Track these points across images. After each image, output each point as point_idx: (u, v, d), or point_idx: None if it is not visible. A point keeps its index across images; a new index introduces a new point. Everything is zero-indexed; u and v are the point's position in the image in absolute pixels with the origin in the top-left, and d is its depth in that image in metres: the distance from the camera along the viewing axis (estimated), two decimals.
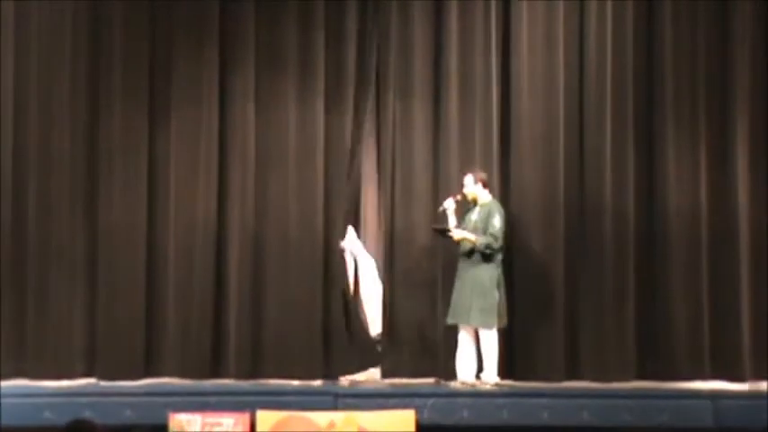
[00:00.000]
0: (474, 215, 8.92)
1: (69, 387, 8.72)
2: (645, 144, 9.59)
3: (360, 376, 9.17)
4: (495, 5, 9.58)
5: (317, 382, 8.91)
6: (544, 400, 8.24)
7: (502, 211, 8.91)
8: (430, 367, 9.20)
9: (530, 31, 9.55)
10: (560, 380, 9.24)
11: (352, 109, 9.43)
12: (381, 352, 9.31)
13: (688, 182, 9.54)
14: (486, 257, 8.76)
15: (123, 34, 9.28)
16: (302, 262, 9.26)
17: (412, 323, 9.36)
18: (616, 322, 9.38)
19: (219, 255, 9.27)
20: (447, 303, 9.03)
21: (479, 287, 8.70)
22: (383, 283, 9.40)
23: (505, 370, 8.96)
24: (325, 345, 9.20)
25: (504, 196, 9.38)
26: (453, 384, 8.75)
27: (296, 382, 8.88)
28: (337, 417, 7.83)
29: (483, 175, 9.01)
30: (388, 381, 9.17)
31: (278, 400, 8.00)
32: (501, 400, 8.18)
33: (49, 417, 7.81)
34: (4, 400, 7.85)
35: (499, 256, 8.82)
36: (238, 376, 9.08)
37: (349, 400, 8.09)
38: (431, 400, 8.05)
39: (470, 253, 8.79)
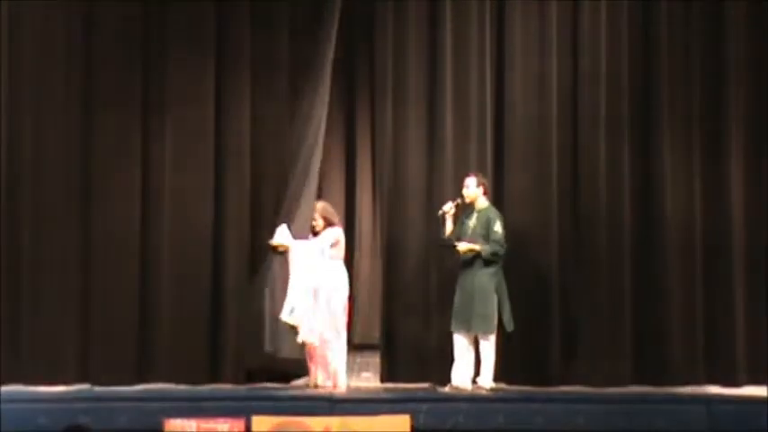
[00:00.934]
0: (472, 220, 8.90)
1: (64, 392, 8.69)
2: (639, 150, 9.63)
3: (357, 382, 9.15)
4: (490, 11, 9.60)
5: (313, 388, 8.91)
6: (539, 406, 8.22)
7: (501, 216, 8.91)
8: (426, 373, 9.20)
9: (523, 37, 9.59)
10: (556, 385, 9.26)
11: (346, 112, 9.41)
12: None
13: (683, 187, 9.59)
14: (488, 264, 8.76)
15: (117, 37, 9.25)
16: None
17: (408, 329, 9.35)
18: (611, 327, 9.41)
19: (214, 259, 9.25)
20: (442, 310, 9.04)
21: (481, 294, 8.72)
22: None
23: (501, 375, 8.98)
24: None
25: (498, 202, 9.39)
26: (448, 389, 8.75)
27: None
28: (333, 421, 7.80)
29: (484, 180, 9.01)
30: (381, 385, 9.17)
31: (273, 405, 7.96)
32: (496, 405, 8.16)
33: (43, 422, 7.74)
34: None
35: (500, 262, 8.83)
36: (233, 381, 9.06)
37: (344, 405, 8.07)
38: (426, 405, 8.03)
39: (471, 260, 8.78)
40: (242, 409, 7.83)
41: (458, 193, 9.05)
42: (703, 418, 8.19)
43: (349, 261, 9.38)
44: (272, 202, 9.29)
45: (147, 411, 7.85)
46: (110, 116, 9.22)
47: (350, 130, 10.80)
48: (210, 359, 9.17)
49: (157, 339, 9.17)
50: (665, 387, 9.29)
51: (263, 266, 9.00)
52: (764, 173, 9.65)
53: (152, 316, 9.19)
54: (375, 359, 9.59)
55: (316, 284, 8.74)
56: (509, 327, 8.78)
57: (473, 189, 8.91)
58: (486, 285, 8.74)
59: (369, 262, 10.45)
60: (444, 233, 8.93)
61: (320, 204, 9.04)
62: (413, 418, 7.79)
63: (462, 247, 8.76)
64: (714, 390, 9.28)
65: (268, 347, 8.82)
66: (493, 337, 8.75)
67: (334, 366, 8.73)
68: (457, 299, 8.84)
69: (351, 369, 9.47)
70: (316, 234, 8.89)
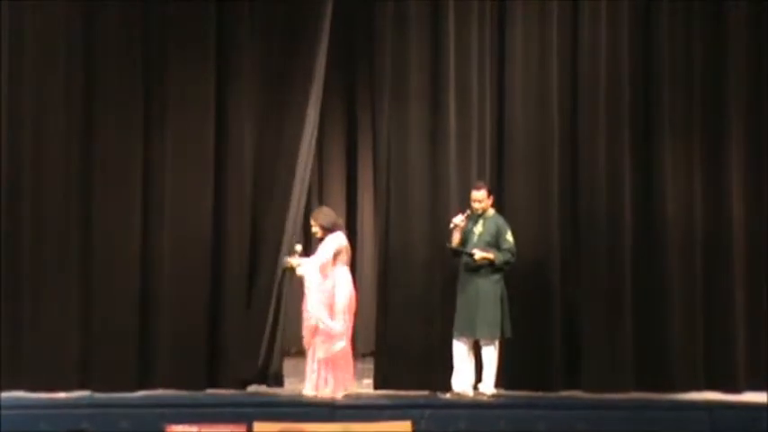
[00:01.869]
0: (478, 228, 8.88)
1: (65, 399, 8.68)
2: (639, 155, 9.63)
3: (359, 389, 9.14)
4: (490, 14, 9.59)
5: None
6: (541, 412, 8.24)
7: (508, 223, 8.91)
8: (426, 379, 9.16)
9: (524, 44, 9.58)
10: (557, 391, 9.26)
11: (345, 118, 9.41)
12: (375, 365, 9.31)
13: (683, 192, 9.60)
14: (493, 271, 8.76)
15: (118, 39, 9.22)
16: None
17: (408, 335, 9.32)
18: (612, 333, 9.41)
19: (215, 265, 9.23)
20: (443, 315, 9.03)
21: (486, 300, 8.71)
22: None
23: (503, 381, 8.97)
24: None
25: (499, 206, 9.40)
26: (450, 396, 8.73)
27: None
28: (334, 427, 7.79)
29: (490, 188, 9.00)
30: (382, 392, 9.15)
31: (274, 411, 7.96)
32: (498, 411, 8.18)
33: (44, 429, 7.76)
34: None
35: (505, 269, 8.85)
36: (233, 386, 9.05)
37: (346, 411, 8.07)
38: (428, 411, 8.03)
39: (477, 267, 8.77)
40: (243, 414, 7.83)
41: (459, 196, 9.06)
42: (705, 424, 8.19)
43: (352, 266, 9.34)
44: (273, 208, 9.22)
45: (148, 417, 7.86)
46: (110, 119, 9.20)
47: (350, 134, 10.85)
48: (210, 365, 9.14)
49: (158, 346, 9.14)
50: (666, 393, 9.28)
51: (271, 282, 9.00)
52: (765, 176, 9.65)
53: (152, 322, 9.17)
54: None
55: (325, 292, 8.71)
56: (508, 333, 8.78)
57: (486, 201, 8.88)
58: (491, 291, 8.74)
59: (371, 267, 10.38)
60: (452, 242, 8.87)
61: (315, 212, 8.99)
62: (414, 425, 7.78)
63: (479, 255, 8.74)
64: (715, 396, 9.26)
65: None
66: (496, 343, 8.74)
67: (338, 372, 8.71)
68: (460, 304, 8.81)
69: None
70: (321, 239, 8.86)
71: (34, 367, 8.97)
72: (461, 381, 8.79)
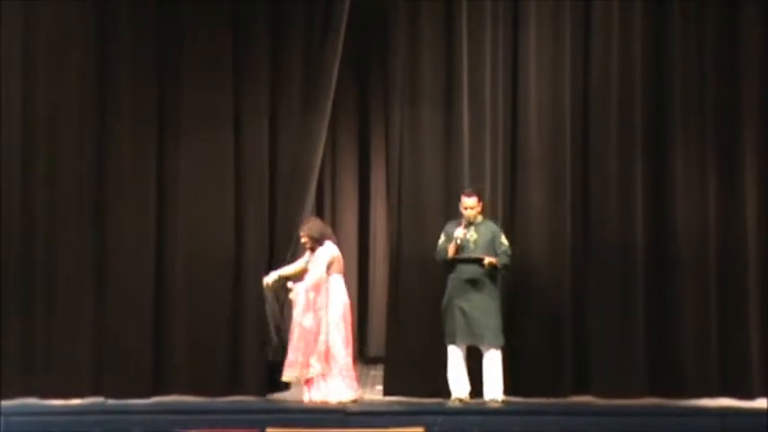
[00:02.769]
0: (472, 234, 8.80)
1: (77, 405, 8.71)
2: (652, 162, 9.60)
3: (371, 395, 9.15)
4: (503, 14, 9.59)
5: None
6: (554, 418, 8.21)
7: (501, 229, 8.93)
8: (436, 386, 9.11)
9: (538, 44, 9.58)
10: (567, 396, 9.24)
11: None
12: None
13: (696, 199, 9.56)
14: (493, 277, 8.75)
15: (132, 51, 9.27)
16: None
17: (419, 341, 9.31)
18: (624, 339, 9.38)
19: (230, 271, 9.26)
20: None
21: (490, 306, 8.69)
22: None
23: (515, 387, 8.96)
24: None
25: (512, 213, 9.40)
26: (459, 402, 8.70)
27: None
28: None
29: (480, 193, 8.96)
30: (394, 398, 9.14)
31: (287, 418, 7.97)
32: (511, 418, 8.14)
33: None
34: (12, 419, 7.81)
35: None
36: (249, 393, 9.06)
37: (358, 418, 8.06)
38: (440, 418, 8.01)
39: (479, 274, 8.73)
40: (256, 421, 7.81)
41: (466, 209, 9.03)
42: (717, 430, 8.16)
43: (363, 272, 9.34)
44: (289, 214, 9.26)
45: (161, 424, 7.86)
46: (125, 130, 9.24)
47: (363, 137, 10.83)
48: (226, 371, 9.17)
49: (171, 352, 9.18)
50: (679, 399, 9.26)
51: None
52: None
53: (166, 328, 9.20)
54: None
55: (318, 305, 8.76)
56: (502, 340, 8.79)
57: (478, 207, 8.83)
58: (493, 297, 8.73)
59: (383, 272, 10.35)
60: (450, 252, 8.80)
61: (304, 223, 8.99)
62: (427, 431, 7.77)
63: (488, 260, 8.68)
64: (728, 402, 9.24)
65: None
66: (500, 349, 8.73)
67: (340, 380, 8.73)
68: (463, 311, 8.70)
69: (364, 382, 9.49)
70: (311, 250, 8.89)
71: (47, 373, 8.99)
72: (462, 388, 8.76)
